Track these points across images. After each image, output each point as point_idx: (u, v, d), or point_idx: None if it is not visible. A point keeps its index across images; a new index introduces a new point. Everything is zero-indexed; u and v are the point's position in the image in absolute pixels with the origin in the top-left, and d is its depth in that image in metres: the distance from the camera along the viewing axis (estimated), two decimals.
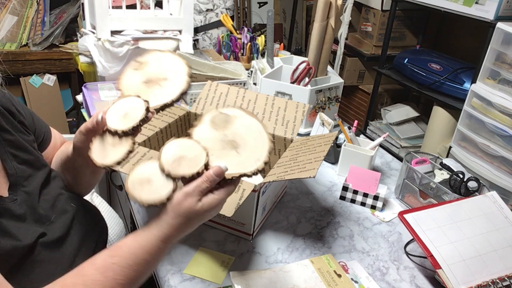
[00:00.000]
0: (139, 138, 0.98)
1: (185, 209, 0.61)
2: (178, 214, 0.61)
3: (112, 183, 1.62)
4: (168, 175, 0.63)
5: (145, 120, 0.67)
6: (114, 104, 0.69)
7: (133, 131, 0.68)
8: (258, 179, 1.09)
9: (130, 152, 0.68)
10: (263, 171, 0.66)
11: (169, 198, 0.62)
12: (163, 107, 0.69)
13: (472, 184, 1.10)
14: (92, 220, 0.84)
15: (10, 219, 0.66)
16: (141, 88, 0.70)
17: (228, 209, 0.78)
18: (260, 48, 2.04)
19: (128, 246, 0.61)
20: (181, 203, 0.61)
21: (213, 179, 0.61)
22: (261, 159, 0.65)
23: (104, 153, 0.68)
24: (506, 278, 0.88)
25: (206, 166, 0.63)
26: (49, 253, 0.69)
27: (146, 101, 0.68)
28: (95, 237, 0.83)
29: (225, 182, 0.63)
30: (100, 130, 0.69)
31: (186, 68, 0.71)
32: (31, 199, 0.70)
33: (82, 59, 1.65)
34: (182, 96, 0.70)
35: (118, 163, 0.67)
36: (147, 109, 0.67)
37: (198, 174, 0.62)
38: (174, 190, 0.63)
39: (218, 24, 2.41)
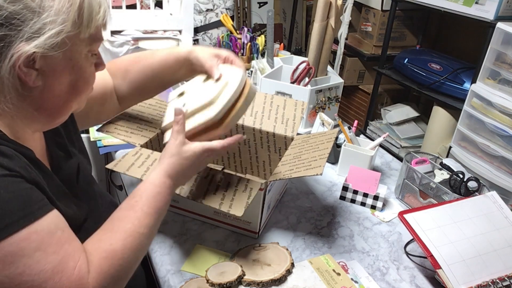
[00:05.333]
0: (141, 139, 0.98)
1: (176, 149, 0.76)
2: (172, 154, 0.75)
3: (112, 183, 1.63)
4: (212, 283, 0.83)
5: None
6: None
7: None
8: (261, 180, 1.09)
9: None
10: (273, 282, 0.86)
11: None
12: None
13: (472, 184, 1.10)
14: (109, 209, 0.87)
15: (60, 198, 0.69)
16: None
17: (237, 209, 0.78)
18: (260, 48, 2.04)
19: (140, 188, 0.72)
20: (172, 145, 0.76)
21: (177, 119, 0.77)
22: (276, 274, 0.86)
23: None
24: (506, 278, 0.88)
25: (242, 274, 0.85)
26: (94, 226, 0.73)
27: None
28: None
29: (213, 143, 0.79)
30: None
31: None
32: (70, 182, 0.76)
33: None
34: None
35: None
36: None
37: (239, 277, 0.84)
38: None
39: (218, 24, 2.41)
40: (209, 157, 0.79)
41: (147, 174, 0.78)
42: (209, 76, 0.85)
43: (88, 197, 0.80)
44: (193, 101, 0.81)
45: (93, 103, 0.88)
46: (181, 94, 0.87)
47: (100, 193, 0.88)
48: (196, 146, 0.76)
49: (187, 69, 0.91)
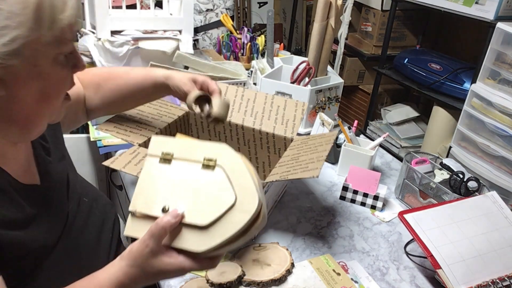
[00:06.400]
0: (140, 139, 0.98)
1: (142, 261, 0.60)
2: (133, 264, 0.60)
3: (112, 183, 1.63)
4: (212, 283, 0.82)
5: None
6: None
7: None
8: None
9: None
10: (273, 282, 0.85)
11: None
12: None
13: (472, 184, 1.10)
14: (104, 211, 0.87)
15: (47, 206, 0.68)
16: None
17: None
18: (260, 48, 2.04)
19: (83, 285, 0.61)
20: (139, 253, 0.60)
21: (168, 222, 0.58)
22: (276, 274, 0.86)
23: None
24: (506, 278, 0.88)
25: (242, 274, 0.84)
26: (72, 241, 0.71)
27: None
28: (110, 228, 0.85)
29: (196, 257, 0.60)
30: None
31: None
32: (59, 187, 0.74)
33: None
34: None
35: None
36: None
37: (239, 277, 0.83)
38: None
39: (218, 24, 2.41)
40: (180, 274, 0.63)
41: (102, 269, 0.63)
42: (215, 152, 0.63)
43: (73, 204, 0.77)
44: (183, 202, 0.61)
45: (68, 111, 0.83)
46: (167, 159, 0.65)
47: (96, 197, 0.85)
48: (168, 264, 0.59)
49: (163, 92, 0.92)
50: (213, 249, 0.58)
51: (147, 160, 0.66)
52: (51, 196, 0.71)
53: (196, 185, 0.62)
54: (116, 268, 0.61)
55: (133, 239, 0.62)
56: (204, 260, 0.61)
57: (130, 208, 0.63)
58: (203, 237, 0.59)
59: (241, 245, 0.61)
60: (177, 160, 0.64)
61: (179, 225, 0.59)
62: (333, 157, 1.33)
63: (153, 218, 0.60)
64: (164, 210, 0.60)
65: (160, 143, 0.66)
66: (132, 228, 0.62)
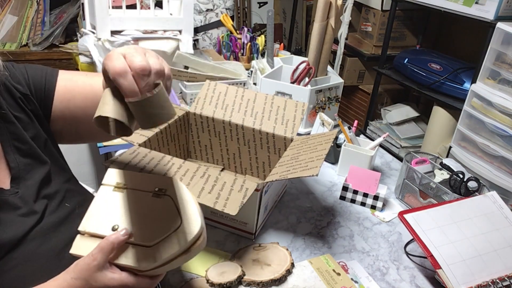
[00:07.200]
0: (139, 139, 0.98)
1: (87, 274, 0.60)
2: (79, 276, 0.61)
3: None
4: (212, 283, 0.83)
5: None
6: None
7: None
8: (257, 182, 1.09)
9: None
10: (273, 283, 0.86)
11: None
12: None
13: (472, 184, 1.10)
14: None
15: (7, 211, 0.66)
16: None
17: (232, 208, 0.78)
18: (260, 48, 2.04)
19: None
20: (86, 266, 0.61)
21: (117, 238, 0.61)
22: (276, 274, 0.86)
23: None
24: (506, 278, 0.88)
25: (242, 274, 0.84)
26: (36, 247, 0.69)
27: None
28: None
29: (139, 274, 0.63)
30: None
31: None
32: (31, 192, 0.71)
33: (82, 59, 1.65)
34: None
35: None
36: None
37: (239, 277, 0.84)
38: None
39: (218, 24, 2.41)
40: None
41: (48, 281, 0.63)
42: (165, 184, 0.69)
43: (48, 209, 0.73)
44: (132, 224, 0.65)
45: (76, 115, 0.78)
46: (121, 187, 0.70)
47: (82, 202, 0.81)
48: (111, 279, 0.61)
49: None
50: (155, 267, 0.62)
51: (101, 189, 0.70)
52: (18, 201, 0.68)
53: (146, 210, 0.66)
54: (59, 281, 0.61)
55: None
56: (146, 278, 0.63)
57: (79, 228, 0.65)
58: (146, 256, 0.62)
59: (181, 265, 0.64)
60: (129, 189, 0.69)
61: (125, 244, 0.63)
62: (333, 157, 1.33)
63: (102, 237, 0.63)
64: (114, 229, 0.64)
65: (115, 175, 0.71)
66: (79, 247, 0.64)
